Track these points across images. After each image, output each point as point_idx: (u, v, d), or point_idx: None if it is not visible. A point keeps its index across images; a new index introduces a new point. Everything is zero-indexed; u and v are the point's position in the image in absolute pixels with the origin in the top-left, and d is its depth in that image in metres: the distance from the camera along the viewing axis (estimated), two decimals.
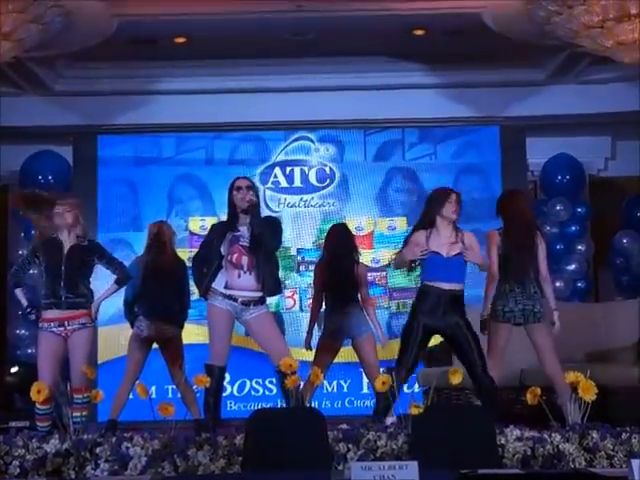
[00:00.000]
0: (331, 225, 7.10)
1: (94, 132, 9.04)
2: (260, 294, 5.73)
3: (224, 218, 5.99)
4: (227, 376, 6.32)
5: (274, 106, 8.80)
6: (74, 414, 5.44)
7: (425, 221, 5.78)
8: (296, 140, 9.21)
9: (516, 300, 5.80)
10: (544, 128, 9.02)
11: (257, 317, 5.73)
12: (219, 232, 5.80)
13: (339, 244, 6.65)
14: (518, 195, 6.28)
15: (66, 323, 5.79)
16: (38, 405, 5.63)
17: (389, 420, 5.23)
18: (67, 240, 5.89)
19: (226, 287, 5.67)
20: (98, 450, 4.41)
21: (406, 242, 5.83)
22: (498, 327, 5.80)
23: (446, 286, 5.63)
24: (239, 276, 5.67)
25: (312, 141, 9.21)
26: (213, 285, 5.69)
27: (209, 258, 5.73)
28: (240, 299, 5.67)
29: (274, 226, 5.87)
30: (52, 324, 5.80)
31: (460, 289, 5.69)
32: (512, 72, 8.81)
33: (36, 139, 8.90)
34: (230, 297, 5.67)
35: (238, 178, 5.90)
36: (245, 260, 5.67)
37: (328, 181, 9.16)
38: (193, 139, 9.20)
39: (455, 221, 5.74)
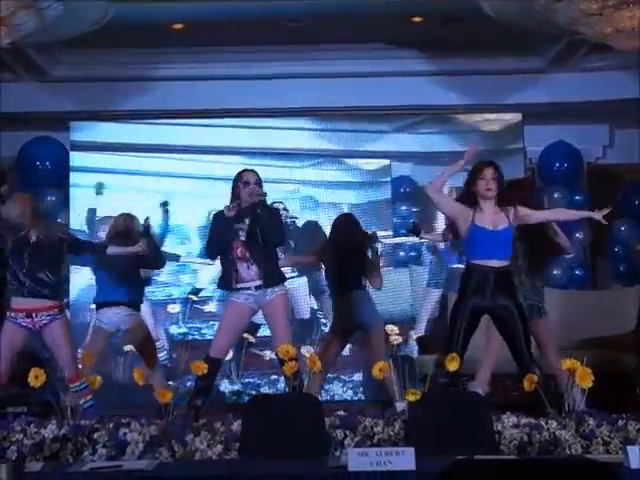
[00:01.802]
0: (338, 214, 7.11)
1: (91, 118, 9.00)
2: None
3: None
4: None
5: (271, 93, 8.76)
6: (81, 401, 5.49)
7: (465, 201, 5.47)
8: (292, 129, 9.15)
9: (525, 295, 5.77)
10: (542, 115, 9.00)
11: (270, 301, 5.73)
12: (227, 223, 5.76)
13: (344, 234, 6.68)
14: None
15: (34, 315, 5.76)
16: None
17: (399, 406, 5.21)
18: (32, 233, 5.85)
19: (238, 281, 5.71)
20: (96, 436, 4.44)
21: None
22: None
23: (493, 263, 5.33)
24: (248, 267, 5.71)
25: (308, 129, 9.15)
26: (232, 280, 5.74)
27: (225, 250, 5.75)
28: (253, 286, 5.70)
29: (275, 219, 5.87)
30: (20, 315, 5.77)
31: (508, 265, 5.39)
32: (511, 60, 8.77)
33: (33, 125, 8.86)
34: (247, 288, 5.70)
35: (245, 171, 5.88)
36: (248, 253, 5.70)
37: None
38: (194, 126, 9.11)
39: (492, 197, 5.36)
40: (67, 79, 8.82)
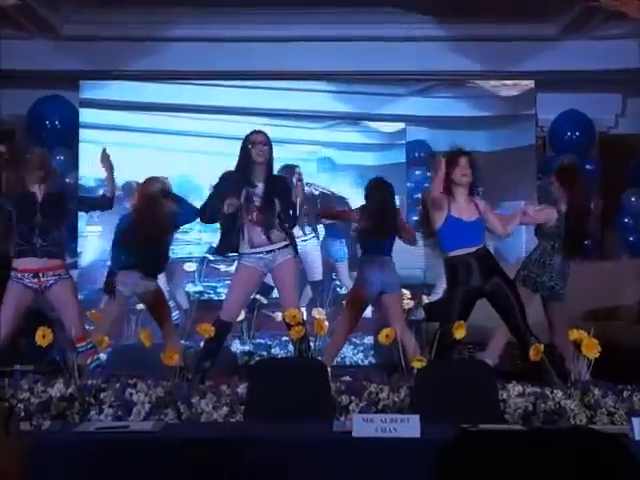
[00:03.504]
0: (372, 178, 6.99)
1: (101, 78, 8.97)
2: (285, 243, 5.72)
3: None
4: None
5: (288, 56, 8.69)
6: (87, 361, 5.51)
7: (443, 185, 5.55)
8: (308, 90, 9.10)
9: (551, 276, 5.83)
10: (555, 84, 8.93)
11: (280, 264, 5.70)
12: (234, 185, 5.69)
13: (380, 197, 6.65)
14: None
15: (40, 275, 5.74)
16: None
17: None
18: (39, 191, 5.83)
19: (253, 246, 5.66)
20: (102, 396, 4.47)
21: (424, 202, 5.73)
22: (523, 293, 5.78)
23: (471, 250, 5.45)
24: (261, 232, 5.65)
25: (325, 91, 9.10)
26: (241, 245, 5.69)
27: (231, 214, 5.62)
28: (265, 250, 5.67)
29: (285, 184, 5.84)
30: (26, 275, 5.74)
31: (483, 246, 5.52)
32: (524, 26, 8.69)
33: (42, 83, 8.83)
34: (259, 253, 5.67)
35: (254, 132, 5.81)
36: (263, 217, 5.64)
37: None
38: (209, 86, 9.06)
39: (467, 185, 5.51)
40: (77, 38, 8.75)
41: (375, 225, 6.55)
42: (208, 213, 5.83)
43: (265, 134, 5.82)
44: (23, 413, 4.30)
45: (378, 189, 6.75)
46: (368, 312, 7.42)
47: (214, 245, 8.71)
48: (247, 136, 5.79)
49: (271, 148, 5.76)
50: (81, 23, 8.69)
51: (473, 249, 5.45)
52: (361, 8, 8.55)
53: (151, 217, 6.38)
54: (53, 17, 8.50)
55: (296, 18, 8.63)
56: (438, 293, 8.47)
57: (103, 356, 6.51)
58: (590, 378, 4.79)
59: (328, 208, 8.02)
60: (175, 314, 7.82)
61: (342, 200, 8.80)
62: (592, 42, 8.77)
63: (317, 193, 8.93)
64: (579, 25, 8.56)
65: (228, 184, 5.72)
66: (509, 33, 8.78)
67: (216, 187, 5.87)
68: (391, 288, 6.56)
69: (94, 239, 8.74)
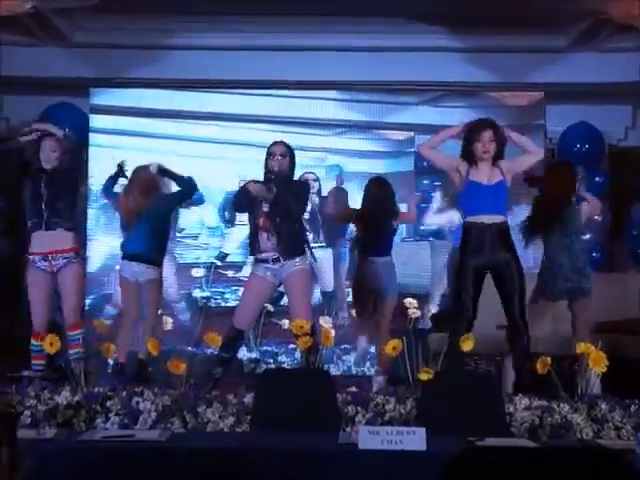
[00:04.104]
0: (370, 178, 7.05)
1: (112, 85, 9.00)
2: (294, 251, 5.75)
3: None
4: None
5: (298, 65, 8.72)
6: (69, 351, 5.56)
7: (463, 156, 5.57)
8: (318, 99, 9.13)
9: (564, 276, 5.86)
10: (564, 95, 8.93)
11: (290, 274, 5.72)
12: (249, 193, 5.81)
13: (376, 197, 6.65)
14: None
15: (50, 257, 5.85)
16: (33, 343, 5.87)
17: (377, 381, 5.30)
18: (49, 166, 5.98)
19: (260, 251, 5.72)
20: (109, 403, 4.47)
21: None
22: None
23: (490, 219, 5.42)
24: (268, 238, 5.69)
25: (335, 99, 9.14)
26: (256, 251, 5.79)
27: (250, 209, 5.81)
28: (271, 258, 5.70)
29: (299, 190, 5.89)
30: (37, 258, 5.86)
31: (504, 221, 5.49)
32: (534, 38, 8.68)
33: (53, 90, 8.86)
34: (266, 260, 5.70)
35: (275, 143, 5.90)
36: (269, 223, 5.69)
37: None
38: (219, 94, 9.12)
39: (490, 159, 5.48)
40: (89, 45, 8.78)
41: (371, 224, 6.55)
42: (237, 207, 6.05)
43: (284, 144, 5.91)
44: (30, 420, 4.30)
45: (375, 188, 6.75)
46: None
47: (223, 251, 8.85)
48: (269, 147, 5.90)
49: (292, 158, 5.86)
50: (92, 31, 8.71)
51: (492, 219, 5.41)
52: (373, 19, 8.56)
53: (152, 201, 6.62)
54: (65, 25, 8.53)
55: (308, 27, 8.65)
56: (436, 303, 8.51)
57: (110, 362, 6.56)
58: (598, 392, 4.79)
59: (338, 211, 8.04)
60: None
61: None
62: (602, 54, 8.76)
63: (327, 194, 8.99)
64: (589, 38, 8.55)
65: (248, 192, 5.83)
66: (519, 45, 8.77)
67: (244, 195, 5.94)
68: (386, 292, 6.57)
69: (102, 244, 8.76)
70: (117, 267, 7.17)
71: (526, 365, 5.23)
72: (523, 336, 5.40)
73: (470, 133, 5.53)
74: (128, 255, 6.68)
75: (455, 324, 5.40)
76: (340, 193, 8.87)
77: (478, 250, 5.41)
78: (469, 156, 5.51)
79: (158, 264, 6.72)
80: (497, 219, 5.44)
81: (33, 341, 5.90)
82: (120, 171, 6.95)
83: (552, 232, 5.99)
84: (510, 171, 5.54)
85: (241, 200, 5.91)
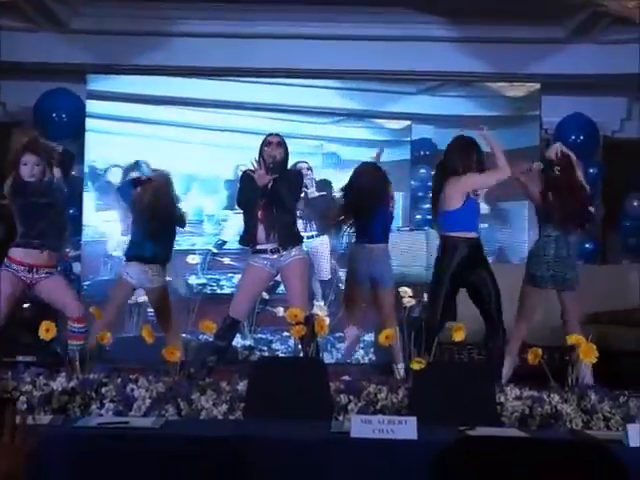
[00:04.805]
0: (359, 163, 6.90)
1: (109, 71, 9.00)
2: (292, 241, 5.83)
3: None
4: None
5: (296, 53, 8.73)
6: (70, 342, 5.56)
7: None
8: (315, 87, 9.13)
9: (547, 265, 5.92)
10: (560, 86, 8.96)
11: (287, 264, 5.78)
12: (251, 184, 5.84)
13: (366, 182, 6.57)
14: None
15: (34, 270, 5.74)
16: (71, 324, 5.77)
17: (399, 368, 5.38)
18: (35, 180, 5.84)
19: (257, 242, 5.77)
20: (104, 390, 4.49)
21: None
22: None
23: (470, 235, 5.73)
24: (266, 229, 5.75)
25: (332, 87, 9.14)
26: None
27: (250, 209, 5.82)
28: (269, 249, 5.74)
29: (293, 180, 5.93)
30: (20, 267, 5.73)
31: (477, 237, 5.79)
32: (531, 29, 8.72)
33: (50, 76, 8.85)
34: (264, 251, 5.74)
35: (270, 134, 5.97)
36: (265, 214, 5.74)
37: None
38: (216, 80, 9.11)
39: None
40: (85, 31, 8.79)
41: (359, 211, 6.43)
42: (245, 199, 5.94)
43: (278, 136, 5.97)
44: (25, 406, 4.34)
45: (362, 174, 6.58)
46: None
47: (220, 237, 8.86)
48: (265, 137, 5.96)
49: (286, 149, 5.91)
50: (89, 16, 8.72)
51: (465, 235, 5.69)
52: (370, 8, 8.58)
53: (163, 210, 6.48)
54: (61, 10, 8.54)
55: (307, 16, 8.67)
56: None
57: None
58: (590, 383, 4.84)
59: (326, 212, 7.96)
60: None
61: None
62: (598, 46, 8.79)
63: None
64: (586, 29, 8.59)
65: (248, 184, 5.87)
66: (516, 35, 8.80)
67: (241, 186, 6.02)
68: (384, 281, 6.45)
69: (97, 229, 8.79)
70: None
71: (499, 362, 5.60)
72: (498, 337, 5.72)
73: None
74: (136, 257, 6.54)
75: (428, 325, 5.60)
76: (325, 187, 8.86)
77: (456, 264, 5.67)
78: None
79: (164, 267, 6.64)
80: (473, 235, 5.74)
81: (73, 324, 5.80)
82: (137, 182, 6.80)
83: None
84: (476, 188, 5.81)
85: (246, 192, 5.89)
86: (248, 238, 5.88)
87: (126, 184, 7.14)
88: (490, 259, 6.34)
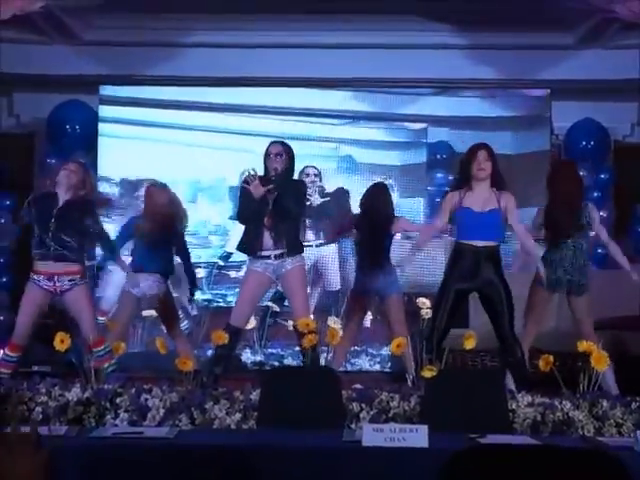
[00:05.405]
0: (371, 184, 7.01)
1: (121, 83, 9.06)
2: (295, 249, 5.86)
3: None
4: None
5: (298, 62, 8.77)
6: (105, 366, 5.58)
7: (460, 182, 5.78)
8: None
9: (564, 270, 5.90)
10: (571, 92, 8.97)
11: (288, 272, 5.82)
12: (248, 197, 5.84)
13: (375, 202, 6.65)
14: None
15: (55, 278, 5.81)
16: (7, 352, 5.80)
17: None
18: (64, 195, 5.93)
19: (261, 249, 5.79)
20: (118, 400, 4.54)
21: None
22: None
23: (481, 243, 5.58)
24: (271, 236, 5.79)
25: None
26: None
27: (254, 218, 5.84)
28: (273, 255, 5.78)
29: (297, 191, 5.95)
30: (41, 277, 5.82)
31: (496, 245, 5.62)
32: (541, 35, 8.73)
33: (63, 88, 8.93)
34: (267, 257, 5.77)
35: (272, 143, 5.99)
36: (272, 222, 5.77)
37: None
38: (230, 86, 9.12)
39: (486, 178, 5.63)
40: (98, 43, 8.86)
41: (367, 232, 6.53)
42: (242, 219, 5.99)
43: (281, 143, 6.00)
44: (41, 417, 4.39)
45: (371, 196, 6.69)
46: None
47: (226, 249, 8.78)
48: (266, 147, 5.97)
49: (290, 157, 5.93)
50: (102, 29, 8.79)
51: (483, 243, 5.55)
52: (382, 16, 8.60)
53: (166, 221, 6.50)
54: (74, 23, 8.61)
55: (319, 25, 8.70)
56: None
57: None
58: (607, 389, 4.85)
59: (340, 225, 7.96)
60: (184, 323, 7.69)
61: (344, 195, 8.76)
62: (608, 52, 8.81)
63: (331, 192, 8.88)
64: (596, 35, 8.60)
65: (248, 192, 5.85)
66: (526, 42, 8.82)
67: (241, 195, 6.03)
68: (389, 291, 6.52)
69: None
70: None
71: (524, 374, 5.43)
72: (516, 352, 5.56)
73: (466, 155, 5.72)
74: (137, 269, 6.56)
75: (430, 334, 5.55)
76: (342, 195, 8.77)
77: (465, 272, 5.57)
78: (466, 180, 5.67)
79: (166, 277, 6.67)
80: (489, 243, 5.60)
81: (7, 351, 5.84)
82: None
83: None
84: (506, 210, 5.64)
85: (245, 206, 5.92)
86: (249, 245, 5.89)
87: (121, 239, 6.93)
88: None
